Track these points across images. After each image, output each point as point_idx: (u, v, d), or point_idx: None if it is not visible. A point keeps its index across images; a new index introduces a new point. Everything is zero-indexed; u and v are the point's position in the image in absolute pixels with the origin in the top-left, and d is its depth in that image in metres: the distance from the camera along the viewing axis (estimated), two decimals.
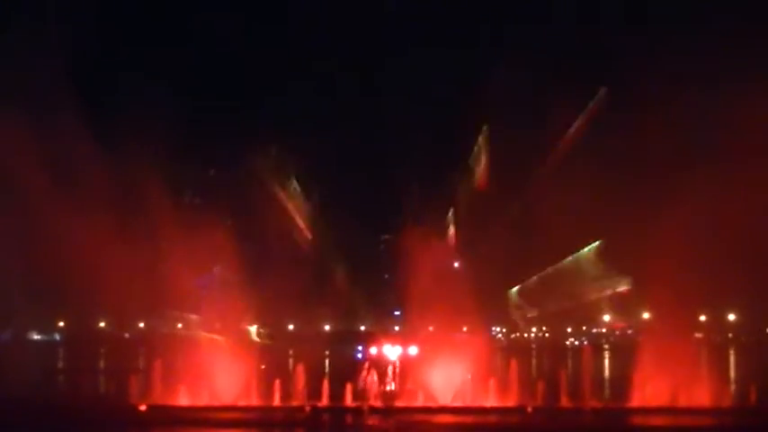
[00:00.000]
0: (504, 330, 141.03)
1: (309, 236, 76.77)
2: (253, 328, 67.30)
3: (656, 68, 61.93)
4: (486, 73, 71.07)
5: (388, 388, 61.52)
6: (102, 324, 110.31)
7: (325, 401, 58.04)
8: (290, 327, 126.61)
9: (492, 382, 58.75)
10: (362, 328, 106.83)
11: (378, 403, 58.36)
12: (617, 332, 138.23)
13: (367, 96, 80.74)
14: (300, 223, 74.50)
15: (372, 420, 55.68)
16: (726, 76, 58.24)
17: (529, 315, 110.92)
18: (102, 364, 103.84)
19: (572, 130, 68.40)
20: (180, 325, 67.96)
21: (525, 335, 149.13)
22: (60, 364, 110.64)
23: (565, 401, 57.91)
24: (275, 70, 79.92)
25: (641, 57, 62.48)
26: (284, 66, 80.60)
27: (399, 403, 59.13)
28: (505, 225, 71.89)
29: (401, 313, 70.34)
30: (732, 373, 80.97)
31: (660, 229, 60.83)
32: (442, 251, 66.12)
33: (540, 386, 58.31)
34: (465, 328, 65.85)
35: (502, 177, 70.44)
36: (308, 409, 57.11)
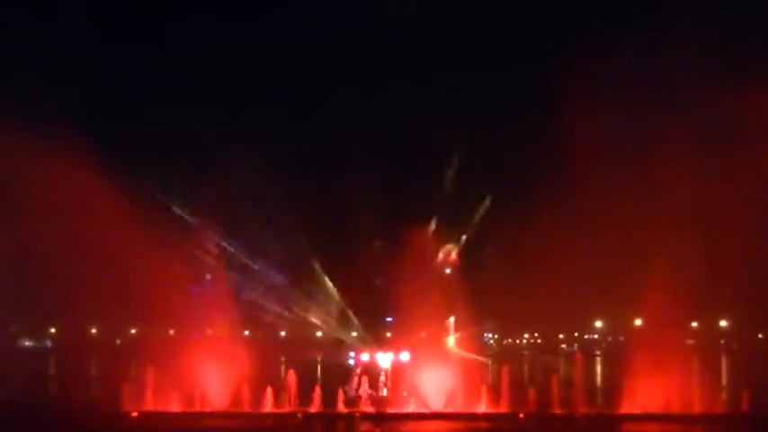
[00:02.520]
0: (495, 336, 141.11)
1: (301, 241, 76.64)
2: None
3: None
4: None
5: (380, 394, 61.54)
6: (93, 330, 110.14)
7: (317, 408, 58.08)
8: (282, 333, 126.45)
9: (484, 389, 58.88)
10: (354, 334, 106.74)
11: (370, 409, 58.44)
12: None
13: (367, 98, 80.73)
14: (293, 229, 74.33)
15: (364, 427, 55.74)
16: None
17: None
18: (93, 370, 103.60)
19: None
20: (171, 331, 67.77)
21: (518, 341, 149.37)
22: (52, 371, 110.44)
23: (557, 408, 58.00)
24: (274, 70, 79.93)
25: None
26: (282, 64, 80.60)
27: (391, 409, 59.22)
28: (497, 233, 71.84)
29: (393, 320, 70.31)
30: (723, 380, 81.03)
31: (652, 236, 61.10)
32: (435, 257, 66.17)
33: (532, 392, 58.40)
34: (458, 335, 65.89)
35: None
36: (299, 415, 57.18)
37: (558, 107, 61.43)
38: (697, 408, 56.90)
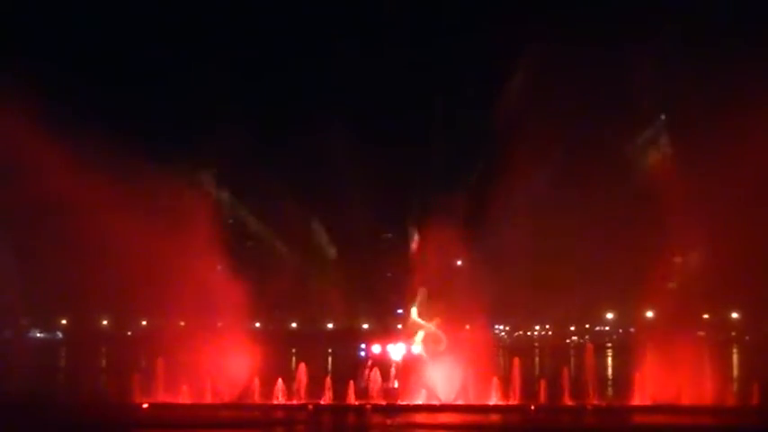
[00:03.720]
0: (507, 328, 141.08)
1: (312, 234, 76.89)
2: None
3: None
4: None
5: (391, 386, 61.49)
6: (104, 322, 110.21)
7: (328, 399, 58.11)
8: (293, 325, 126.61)
9: (495, 381, 58.84)
10: (365, 326, 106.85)
11: (381, 401, 58.44)
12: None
13: (373, 93, 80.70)
14: (303, 221, 74.57)
15: (375, 418, 55.73)
16: None
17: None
18: (104, 362, 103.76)
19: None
20: (182, 323, 67.92)
21: (528, 333, 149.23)
22: (62, 363, 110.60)
23: (567, 400, 57.98)
24: (283, 61, 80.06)
25: None
26: (293, 55, 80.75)
27: (402, 401, 59.23)
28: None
29: (404, 312, 70.23)
30: (735, 372, 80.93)
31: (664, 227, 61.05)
32: (445, 250, 66.08)
33: (543, 385, 58.38)
34: (468, 327, 65.76)
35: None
36: (310, 407, 57.19)
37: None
38: (707, 399, 56.84)
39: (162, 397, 58.21)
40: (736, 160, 58.57)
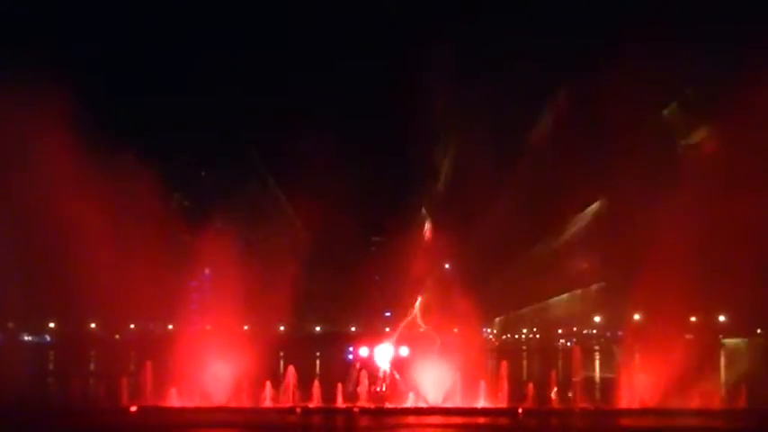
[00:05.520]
0: (494, 331, 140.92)
1: (300, 237, 76.63)
2: None
3: None
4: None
5: (378, 389, 61.58)
6: (92, 325, 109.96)
7: (316, 403, 58.16)
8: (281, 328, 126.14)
9: (483, 384, 58.93)
10: (353, 329, 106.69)
11: (369, 404, 58.49)
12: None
13: (362, 94, 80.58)
14: (290, 224, 74.33)
15: (363, 421, 55.80)
16: None
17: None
18: (92, 365, 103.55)
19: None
20: (170, 326, 67.90)
21: (516, 336, 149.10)
22: (51, 366, 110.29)
23: (555, 403, 58.10)
24: (267, 67, 79.81)
25: None
26: (277, 62, 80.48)
27: (390, 404, 59.29)
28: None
29: (392, 314, 70.30)
30: (722, 375, 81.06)
31: (651, 229, 61.18)
32: (432, 252, 66.18)
33: (531, 387, 58.47)
34: (455, 330, 65.87)
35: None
36: (299, 410, 57.24)
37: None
38: (695, 402, 56.98)
39: (150, 400, 58.17)
40: (726, 162, 58.88)
